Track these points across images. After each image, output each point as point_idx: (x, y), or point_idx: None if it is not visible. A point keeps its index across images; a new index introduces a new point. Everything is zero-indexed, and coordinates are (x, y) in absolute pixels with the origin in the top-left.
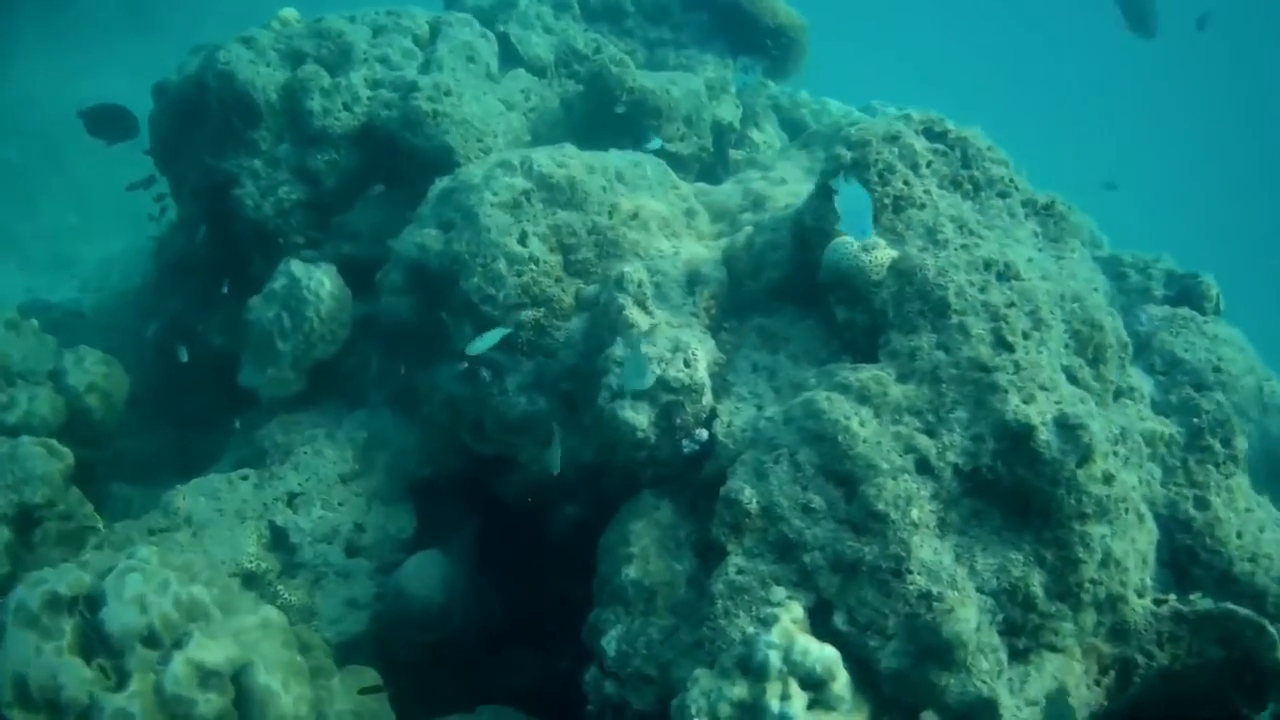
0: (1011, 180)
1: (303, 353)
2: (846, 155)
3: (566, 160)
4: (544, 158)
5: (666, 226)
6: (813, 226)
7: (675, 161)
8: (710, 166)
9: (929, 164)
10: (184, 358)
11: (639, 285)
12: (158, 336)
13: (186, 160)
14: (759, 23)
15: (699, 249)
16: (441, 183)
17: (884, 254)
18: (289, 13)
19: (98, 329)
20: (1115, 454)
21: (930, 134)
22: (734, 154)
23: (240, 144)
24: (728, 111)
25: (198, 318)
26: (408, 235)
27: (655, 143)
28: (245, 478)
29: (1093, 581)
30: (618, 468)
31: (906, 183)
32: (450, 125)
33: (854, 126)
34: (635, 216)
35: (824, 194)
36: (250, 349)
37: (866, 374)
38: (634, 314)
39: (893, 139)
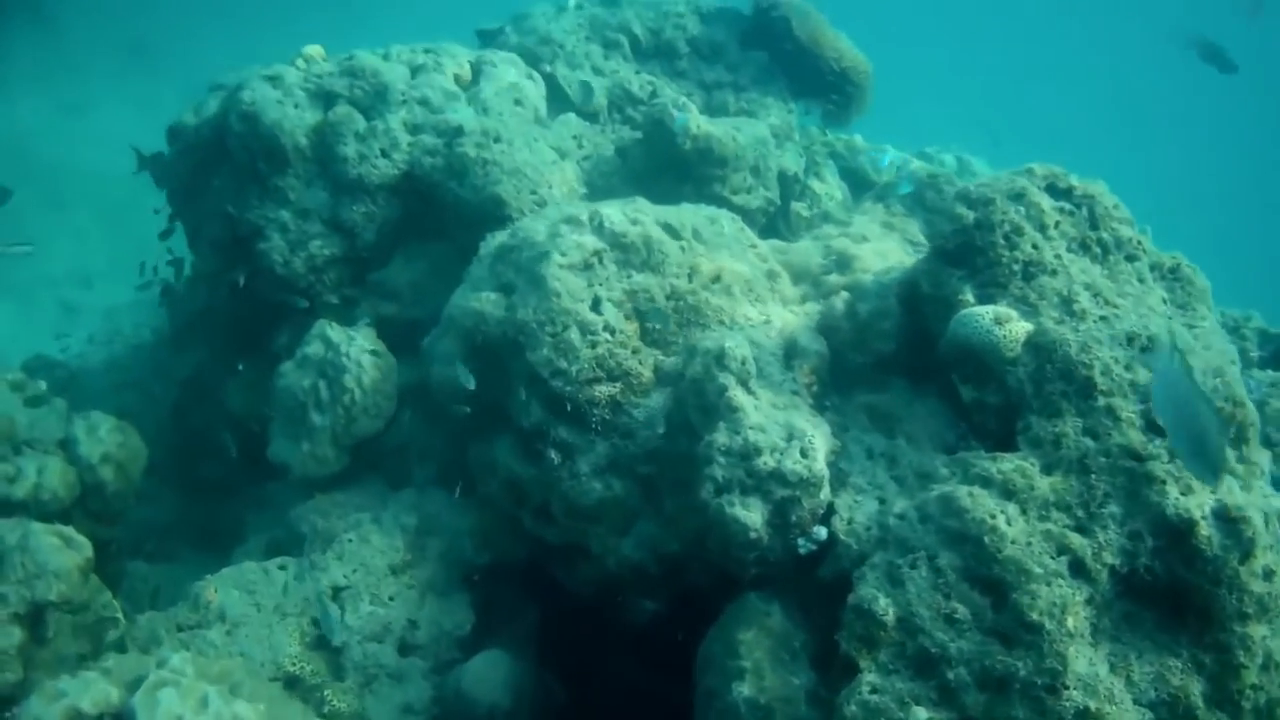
0: (1139, 242)
1: (343, 428)
2: (968, 215)
3: (641, 217)
4: (616, 213)
5: (750, 290)
6: (930, 295)
7: (741, 215)
8: (772, 220)
9: (1056, 224)
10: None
11: (742, 363)
12: (174, 397)
13: (205, 208)
14: (822, 65)
15: (788, 316)
16: (496, 239)
17: (1019, 327)
18: (314, 49)
19: (109, 388)
20: (1272, 546)
21: (1054, 190)
22: (796, 206)
23: (266, 192)
24: (792, 161)
25: (218, 377)
26: (461, 299)
27: None
28: (283, 567)
29: (1254, 687)
30: (710, 563)
31: (1035, 246)
32: (501, 175)
33: (974, 184)
34: (717, 279)
35: (942, 259)
36: (281, 419)
37: (1010, 465)
38: (738, 396)
39: (1017, 197)
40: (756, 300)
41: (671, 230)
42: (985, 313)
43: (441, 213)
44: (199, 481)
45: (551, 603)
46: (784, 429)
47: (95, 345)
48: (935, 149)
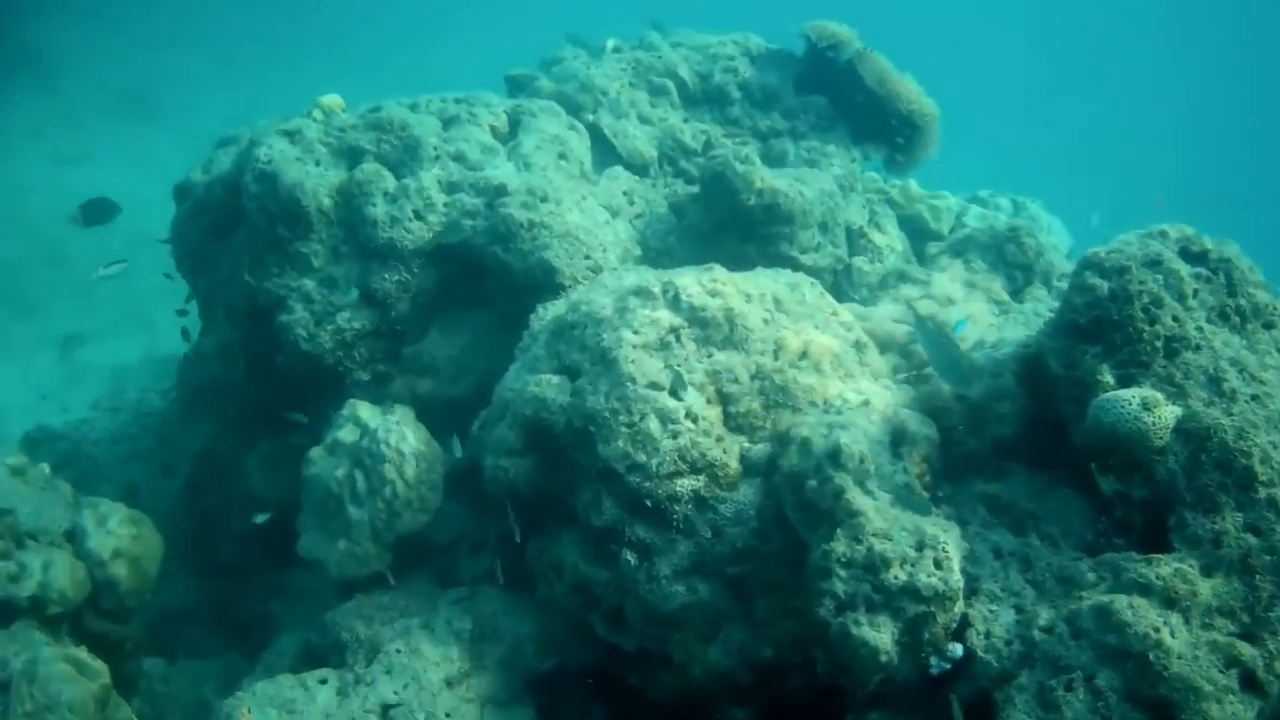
0: (1275, 306)
1: (384, 524)
2: (1102, 286)
3: (719, 287)
4: (692, 284)
5: (839, 365)
6: (1062, 375)
7: (810, 276)
8: (836, 277)
9: (1195, 293)
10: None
11: (860, 461)
12: (187, 472)
13: (220, 275)
14: (889, 108)
15: (883, 393)
16: (551, 311)
17: (1168, 413)
18: (332, 100)
19: (116, 460)
20: None
21: (1187, 255)
22: (858, 261)
23: (287, 259)
24: (856, 214)
25: (235, 453)
26: (517, 381)
27: None
28: (324, 681)
29: None
30: (813, 671)
31: (1177, 319)
32: (550, 238)
33: (1104, 250)
34: (805, 355)
35: (1074, 334)
36: (312, 512)
37: (1168, 569)
38: (857, 499)
39: (1154, 264)
40: (847, 376)
41: (752, 300)
42: (1131, 397)
43: (483, 280)
44: (216, 564)
45: (622, 709)
46: (913, 536)
47: (100, 412)
48: (988, 193)
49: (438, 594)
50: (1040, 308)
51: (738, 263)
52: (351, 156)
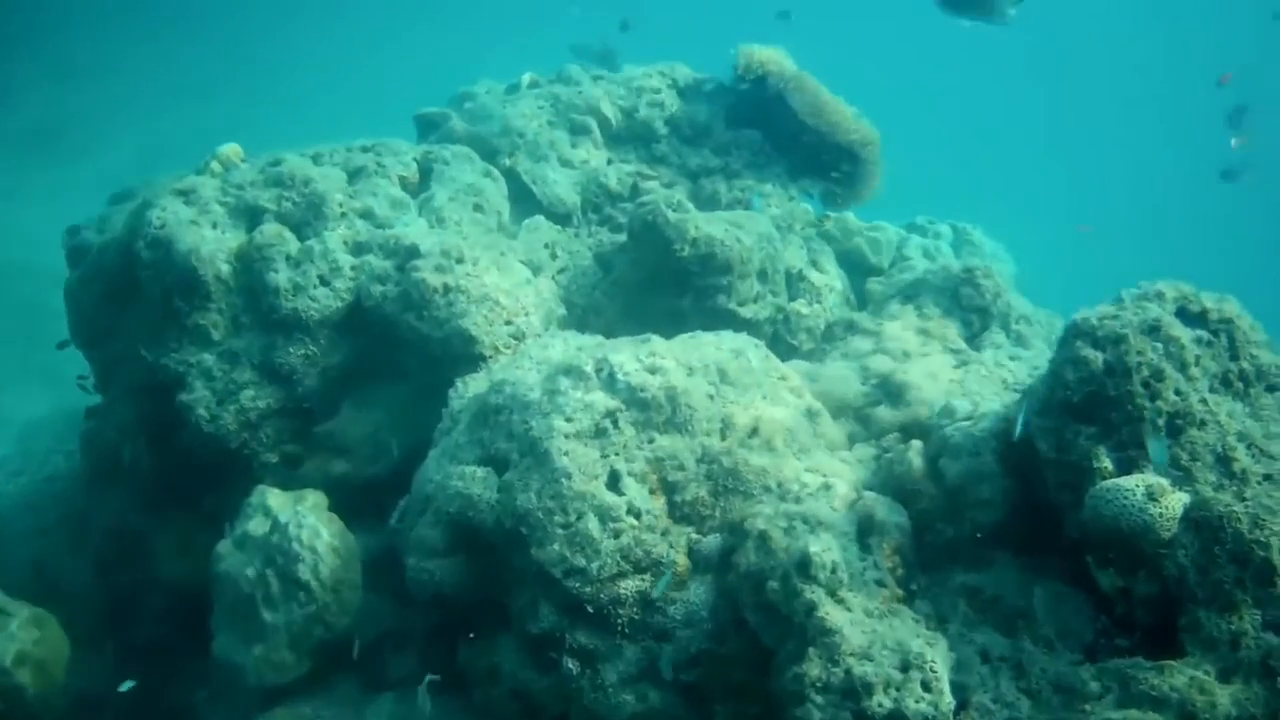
0: (1278, 366)
1: (302, 630)
2: (1096, 359)
3: (659, 362)
4: (628, 360)
5: (793, 441)
6: (1053, 459)
7: (748, 330)
8: (776, 327)
9: (1197, 360)
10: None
11: (832, 571)
12: (96, 547)
13: (117, 347)
14: (827, 140)
15: (845, 472)
16: (471, 387)
17: (1175, 501)
18: (230, 150)
19: (24, 534)
20: None
21: (1185, 316)
22: (796, 305)
23: (185, 332)
24: (795, 255)
25: (145, 530)
26: (439, 472)
27: None
28: None
29: None
30: None
31: (1179, 392)
32: (468, 304)
33: (1095, 315)
34: (755, 432)
35: (1065, 413)
36: (226, 613)
37: (1183, 678)
38: (831, 614)
39: (1152, 330)
40: (802, 452)
41: (694, 374)
42: (1135, 486)
43: (397, 350)
44: (135, 646)
45: None
46: (896, 654)
47: (4, 475)
48: (925, 219)
49: (364, 700)
50: (1001, 355)
51: (672, 319)
52: (251, 216)
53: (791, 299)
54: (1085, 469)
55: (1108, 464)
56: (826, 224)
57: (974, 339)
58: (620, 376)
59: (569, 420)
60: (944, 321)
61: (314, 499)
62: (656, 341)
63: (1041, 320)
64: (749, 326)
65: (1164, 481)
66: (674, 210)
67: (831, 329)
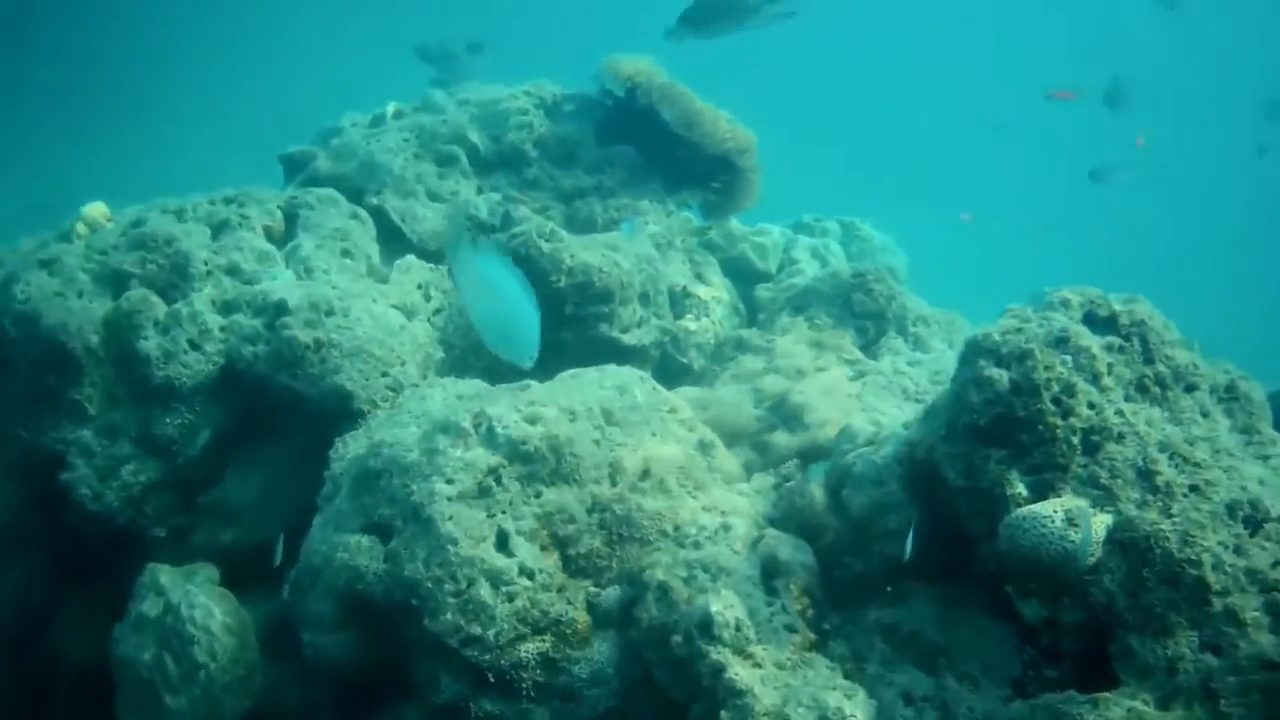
0: (1196, 365)
1: (205, 712)
2: (1001, 378)
3: (539, 411)
4: (507, 413)
5: (687, 478)
6: (963, 486)
7: (632, 357)
8: (664, 349)
9: (1110, 369)
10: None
11: (736, 629)
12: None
13: None
14: (702, 151)
15: (744, 506)
16: (352, 448)
17: (1097, 524)
18: (95, 210)
19: None
20: None
21: (1093, 321)
22: (684, 323)
23: (61, 409)
24: (678, 272)
25: (48, 609)
26: (324, 543)
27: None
28: None
29: None
30: None
31: (1093, 405)
32: (341, 359)
33: (997, 330)
34: (646, 474)
35: (973, 437)
36: (128, 698)
37: (1119, 710)
38: (739, 673)
39: (1060, 342)
40: (697, 489)
41: (577, 419)
42: (1052, 514)
43: (275, 410)
44: None
45: None
46: (813, 711)
47: None
48: (812, 217)
49: None
50: (899, 361)
51: (553, 353)
52: (117, 282)
53: (678, 317)
54: (998, 496)
55: (1022, 490)
56: (709, 233)
57: (870, 346)
58: (500, 430)
59: (450, 482)
60: (837, 331)
61: (205, 574)
62: (535, 388)
63: (939, 319)
64: (634, 354)
65: (1083, 504)
66: (547, 240)
67: (721, 348)
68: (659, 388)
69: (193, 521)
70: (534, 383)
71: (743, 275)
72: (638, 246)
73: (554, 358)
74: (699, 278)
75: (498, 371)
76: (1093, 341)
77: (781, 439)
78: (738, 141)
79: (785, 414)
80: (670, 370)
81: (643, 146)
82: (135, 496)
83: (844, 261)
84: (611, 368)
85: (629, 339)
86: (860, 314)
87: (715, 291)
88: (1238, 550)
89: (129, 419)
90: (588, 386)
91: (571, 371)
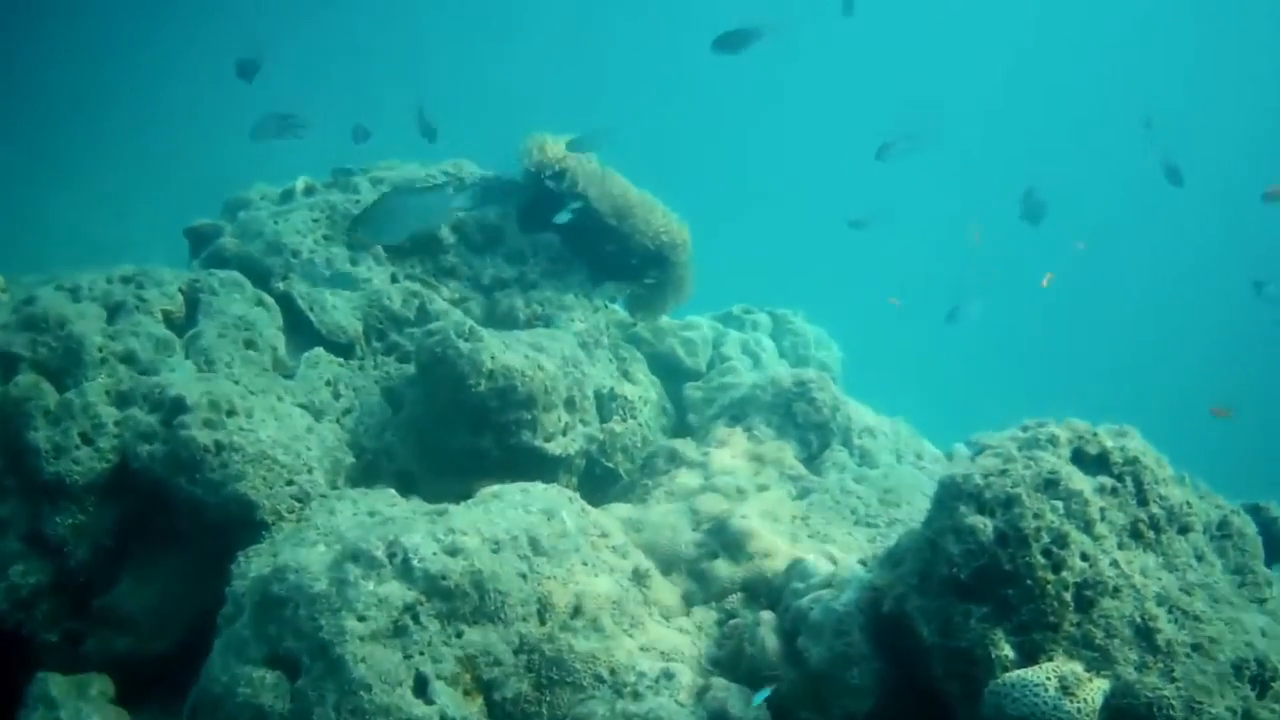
0: (1189, 504)
1: None
2: (985, 527)
3: (460, 541)
4: (424, 542)
5: (622, 615)
6: (939, 645)
7: (558, 466)
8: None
9: (1103, 514)
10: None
11: None
12: None
13: None
14: (631, 243)
15: (685, 646)
16: (255, 565)
17: (1094, 691)
18: None
19: None
20: None
21: (1082, 459)
22: (611, 425)
23: None
24: (604, 373)
25: None
26: (225, 673)
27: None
28: None
29: None
30: None
31: (1087, 557)
32: (243, 464)
33: (979, 472)
34: (578, 611)
35: (951, 592)
36: None
37: None
38: None
39: (1049, 485)
40: (633, 626)
41: (501, 549)
42: (1045, 680)
43: (172, 514)
44: None
45: None
46: None
47: None
48: (741, 308)
49: None
50: (845, 478)
51: (472, 459)
52: (6, 365)
53: (604, 419)
54: (980, 658)
55: (1008, 651)
56: (635, 327)
57: (813, 459)
58: (417, 563)
59: (362, 619)
60: (778, 443)
61: (99, 686)
62: (454, 514)
63: (886, 430)
64: (559, 463)
65: (1078, 668)
66: (465, 339)
67: (654, 459)
68: (588, 508)
69: (86, 627)
70: (452, 506)
71: (671, 372)
72: (564, 347)
73: (474, 465)
74: (625, 375)
75: (411, 476)
76: (1085, 484)
77: (723, 569)
78: (671, 235)
79: (726, 540)
80: (595, 475)
81: (567, 233)
82: (25, 599)
83: (775, 357)
84: (537, 488)
85: (554, 448)
86: (803, 424)
87: (642, 390)
88: (1246, 715)
89: (18, 514)
90: (511, 511)
91: (493, 490)
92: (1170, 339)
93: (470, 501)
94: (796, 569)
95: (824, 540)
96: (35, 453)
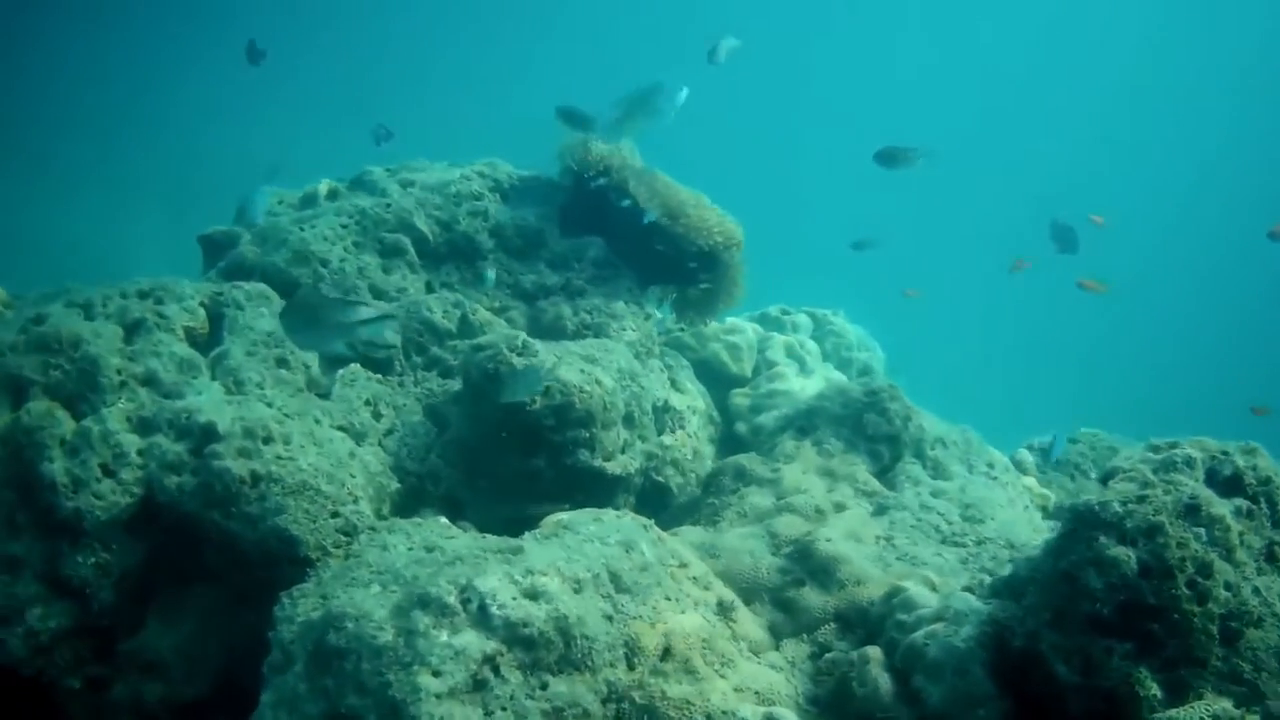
0: None
1: None
2: (1128, 559)
3: (541, 583)
4: (503, 586)
5: (712, 654)
6: (1078, 684)
7: (617, 487)
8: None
9: (1242, 539)
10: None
11: None
12: None
13: None
14: (684, 245)
15: (779, 685)
16: (302, 607)
17: None
18: None
19: None
20: None
21: (1216, 481)
22: (663, 439)
23: None
24: (658, 384)
25: None
26: None
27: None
28: None
29: None
30: None
31: (1230, 586)
32: (283, 496)
33: (1116, 500)
34: (668, 653)
35: (1091, 628)
36: None
37: None
38: None
39: (1191, 512)
40: (725, 665)
41: (584, 589)
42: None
43: (204, 549)
44: None
45: None
46: None
47: None
48: (778, 308)
49: None
50: (923, 492)
51: (524, 484)
52: (16, 389)
53: (659, 433)
54: (1123, 696)
55: (1155, 690)
56: (679, 331)
57: (885, 472)
58: (495, 610)
59: (437, 675)
60: (849, 457)
61: None
62: (530, 552)
63: (955, 439)
64: (618, 484)
65: (1229, 705)
66: (519, 354)
67: (718, 477)
68: (664, 537)
69: (111, 672)
70: (526, 541)
71: (715, 378)
72: (619, 359)
73: (527, 487)
74: (674, 385)
75: (459, 501)
76: (1224, 509)
77: (812, 598)
78: (726, 234)
79: (813, 566)
80: (645, 491)
81: (612, 236)
82: (44, 644)
83: (820, 360)
84: (609, 515)
85: (613, 468)
86: (874, 437)
87: (691, 400)
88: None
89: (34, 554)
90: (589, 545)
91: (560, 519)
92: (1201, 336)
93: (541, 534)
94: (899, 599)
95: (913, 562)
96: (51, 487)
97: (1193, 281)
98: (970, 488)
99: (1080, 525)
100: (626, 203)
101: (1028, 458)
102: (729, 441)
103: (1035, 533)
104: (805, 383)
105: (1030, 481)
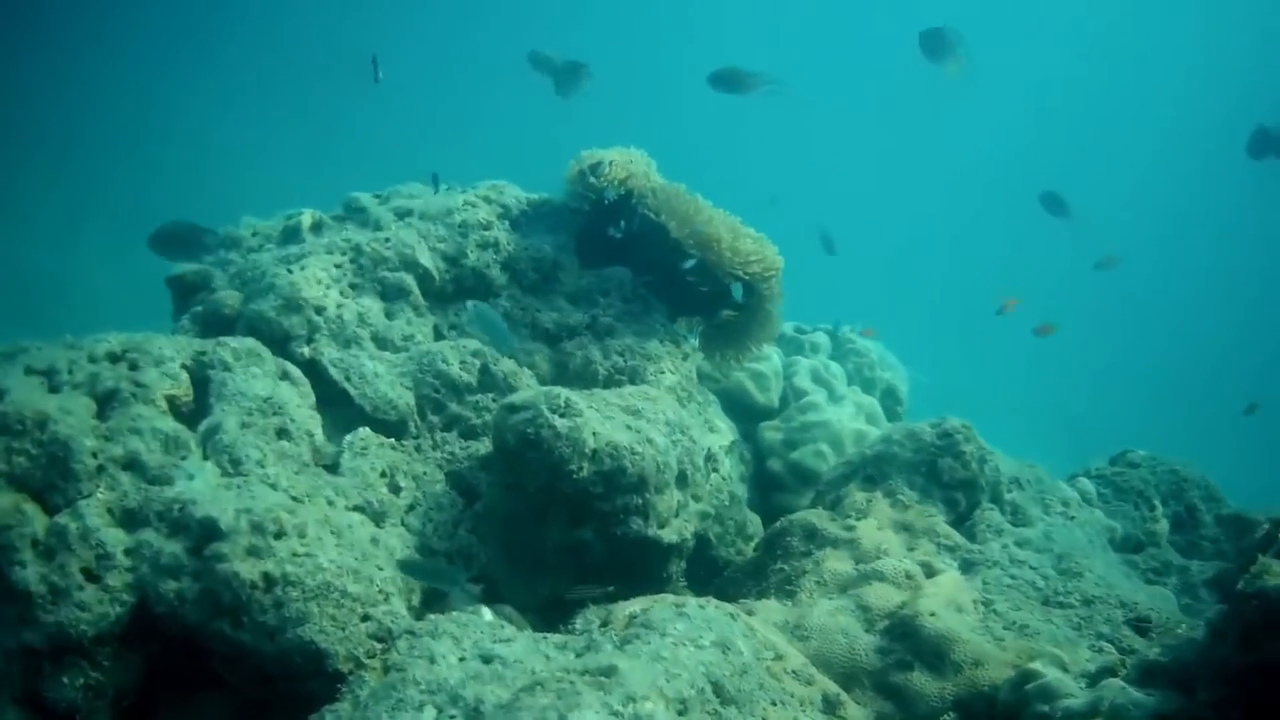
0: None
1: None
2: None
3: (642, 711)
4: (592, 709)
5: None
6: None
7: (670, 554)
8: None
9: None
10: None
11: None
12: None
13: None
14: (717, 275)
15: None
16: None
17: None
18: None
19: None
20: None
21: None
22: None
23: None
24: (698, 429)
25: None
26: None
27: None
28: None
29: None
30: None
31: None
32: (305, 602)
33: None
34: None
35: None
36: None
37: None
38: None
39: None
40: None
41: (690, 711)
42: None
43: (210, 660)
44: None
45: None
46: None
47: None
48: (793, 327)
49: None
50: (1008, 544)
51: (567, 558)
52: None
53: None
54: None
55: None
56: (706, 365)
57: (962, 521)
58: None
59: None
60: (924, 508)
61: None
62: (624, 674)
63: (1029, 478)
64: (671, 551)
65: None
66: (561, 414)
67: (784, 538)
68: (753, 625)
69: None
70: (615, 658)
71: (740, 410)
72: (666, 411)
73: (568, 562)
74: (707, 424)
75: (494, 580)
76: None
77: (925, 684)
78: (765, 262)
79: (919, 646)
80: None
81: (633, 263)
82: None
83: (846, 384)
84: (692, 606)
85: (669, 535)
86: (949, 483)
87: (721, 439)
88: None
89: (11, 674)
90: (684, 651)
91: (638, 615)
92: (1201, 338)
93: (619, 637)
94: (1033, 687)
95: (1023, 632)
96: (26, 598)
97: (1193, 284)
98: (1055, 534)
99: (1261, 618)
100: (640, 210)
101: (1090, 488)
102: (760, 479)
103: (1129, 580)
104: (840, 412)
105: (1098, 514)
